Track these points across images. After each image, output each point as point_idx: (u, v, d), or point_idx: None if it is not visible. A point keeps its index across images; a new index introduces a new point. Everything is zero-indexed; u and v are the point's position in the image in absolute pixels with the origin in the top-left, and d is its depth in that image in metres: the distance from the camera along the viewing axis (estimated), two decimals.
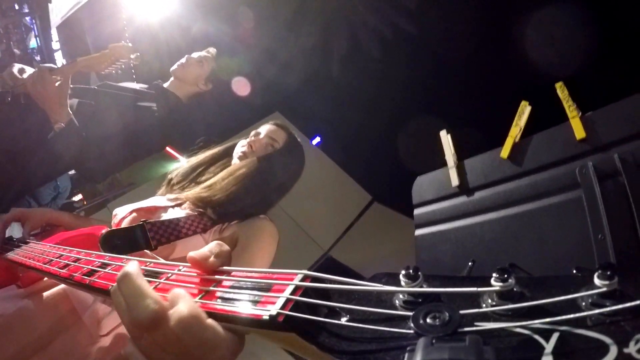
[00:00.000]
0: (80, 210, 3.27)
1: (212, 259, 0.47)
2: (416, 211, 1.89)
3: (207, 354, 0.41)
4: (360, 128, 3.76)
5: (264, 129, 1.53)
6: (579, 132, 1.42)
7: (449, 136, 1.81)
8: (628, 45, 2.31)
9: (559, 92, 1.51)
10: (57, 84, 1.69)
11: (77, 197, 3.49)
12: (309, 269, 0.41)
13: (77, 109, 1.85)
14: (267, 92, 3.49)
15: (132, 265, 0.46)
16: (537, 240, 1.48)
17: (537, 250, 1.46)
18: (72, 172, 2.81)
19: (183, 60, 2.08)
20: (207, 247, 0.48)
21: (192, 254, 0.47)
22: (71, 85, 1.78)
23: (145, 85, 2.14)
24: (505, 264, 1.18)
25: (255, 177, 1.37)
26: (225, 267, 0.47)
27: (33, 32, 3.21)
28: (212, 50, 2.16)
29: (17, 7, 3.15)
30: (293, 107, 3.79)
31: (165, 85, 2.11)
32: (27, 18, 3.20)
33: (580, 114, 1.44)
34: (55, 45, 3.31)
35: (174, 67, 2.08)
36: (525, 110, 1.62)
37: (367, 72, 3.39)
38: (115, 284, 0.46)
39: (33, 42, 3.24)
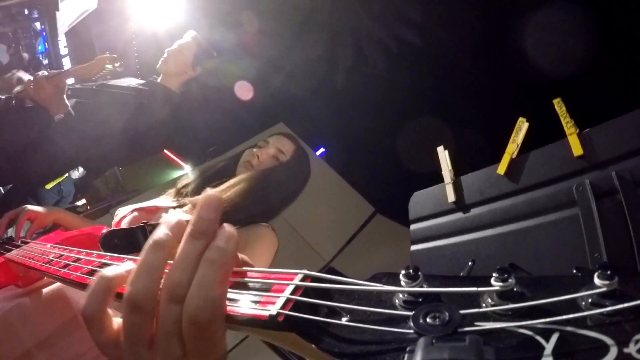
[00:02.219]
0: (83, 215, 3.28)
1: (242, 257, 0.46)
2: (412, 227, 1.89)
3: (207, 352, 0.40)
4: (364, 140, 3.77)
5: (272, 139, 1.53)
6: (577, 149, 1.41)
7: (446, 152, 1.81)
8: (627, 61, 2.32)
9: (556, 108, 1.51)
10: (54, 87, 1.79)
11: (81, 202, 3.49)
12: None
13: (75, 107, 1.91)
14: (272, 102, 3.51)
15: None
16: (533, 257, 1.47)
17: (533, 268, 1.45)
18: (75, 176, 2.83)
19: (164, 54, 2.10)
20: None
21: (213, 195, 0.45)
22: (69, 85, 1.87)
23: (143, 81, 2.17)
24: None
25: (260, 191, 1.37)
26: None
27: (42, 37, 3.24)
28: (190, 33, 2.17)
29: (26, 12, 3.19)
30: (298, 117, 3.81)
31: (159, 80, 2.14)
32: (37, 23, 3.23)
33: (577, 130, 1.43)
34: (64, 50, 3.34)
35: (158, 64, 2.11)
36: (522, 127, 1.62)
37: (372, 84, 3.40)
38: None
39: (42, 47, 3.27)
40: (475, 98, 2.98)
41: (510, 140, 1.61)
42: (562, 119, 1.48)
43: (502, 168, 1.60)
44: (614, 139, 1.36)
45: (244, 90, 2.98)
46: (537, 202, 1.49)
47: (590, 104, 1.63)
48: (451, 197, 1.74)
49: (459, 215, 1.73)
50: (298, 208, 1.56)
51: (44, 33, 3.24)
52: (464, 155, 1.85)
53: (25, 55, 3.09)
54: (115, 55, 1.99)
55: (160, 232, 0.44)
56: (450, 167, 1.77)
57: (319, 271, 0.41)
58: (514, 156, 1.59)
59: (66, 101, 1.83)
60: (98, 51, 3.24)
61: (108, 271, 0.43)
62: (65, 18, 3.17)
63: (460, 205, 1.73)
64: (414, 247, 1.87)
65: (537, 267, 1.44)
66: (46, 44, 3.22)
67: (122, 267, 0.44)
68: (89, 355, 0.97)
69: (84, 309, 0.42)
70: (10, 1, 2.95)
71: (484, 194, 1.66)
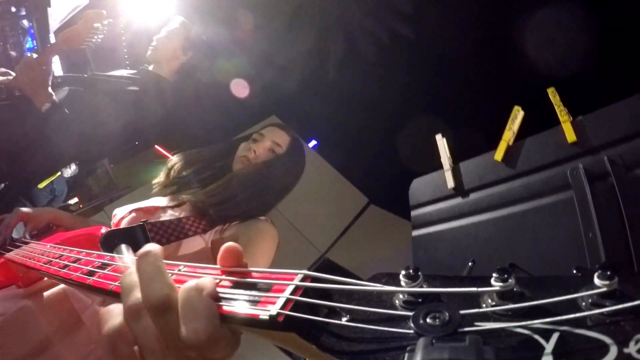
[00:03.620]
0: (76, 214, 3.26)
1: (245, 260, 0.46)
2: (413, 212, 1.93)
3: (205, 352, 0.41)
4: (357, 131, 3.76)
5: (267, 131, 1.52)
6: (570, 135, 1.46)
7: (444, 140, 1.84)
8: (619, 52, 2.33)
9: (550, 97, 1.56)
10: (42, 69, 1.76)
11: (73, 201, 3.47)
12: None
13: (68, 95, 1.89)
14: (264, 94, 3.48)
15: (155, 246, 0.46)
16: (530, 239, 1.52)
17: (531, 249, 1.51)
18: (67, 175, 2.81)
19: (153, 42, 2.09)
20: None
21: (233, 244, 0.46)
22: (62, 74, 1.83)
23: (134, 71, 2.15)
24: (500, 262, 1.20)
25: (258, 184, 1.37)
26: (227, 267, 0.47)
27: (30, 35, 3.20)
28: (177, 19, 2.15)
29: (14, 9, 3.14)
30: (290, 110, 3.79)
31: (150, 68, 2.12)
32: (25, 21, 3.19)
33: (571, 118, 1.49)
34: None
35: (148, 53, 2.09)
36: (517, 115, 1.67)
37: (364, 76, 3.39)
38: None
39: (30, 44, 3.23)
40: (469, 88, 2.99)
41: (507, 128, 1.66)
42: (556, 107, 1.53)
43: (499, 154, 1.65)
44: (606, 126, 1.41)
45: (236, 85, 2.97)
46: (533, 186, 1.54)
47: (584, 93, 1.65)
48: (450, 183, 1.79)
49: (458, 200, 1.79)
50: (292, 200, 1.56)
51: (32, 30, 3.20)
52: (460, 144, 1.87)
53: (13, 53, 3.05)
54: (104, 12, 1.92)
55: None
56: (448, 155, 1.81)
57: (315, 262, 0.41)
58: (510, 143, 1.64)
59: (50, 90, 1.80)
60: (88, 49, 3.20)
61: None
62: (57, 14, 3.14)
63: (460, 190, 1.78)
64: (415, 232, 1.92)
65: (534, 247, 1.50)
66: (35, 41, 3.18)
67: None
68: (93, 356, 0.97)
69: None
70: None
71: (482, 179, 1.71)
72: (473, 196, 1.74)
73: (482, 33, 2.80)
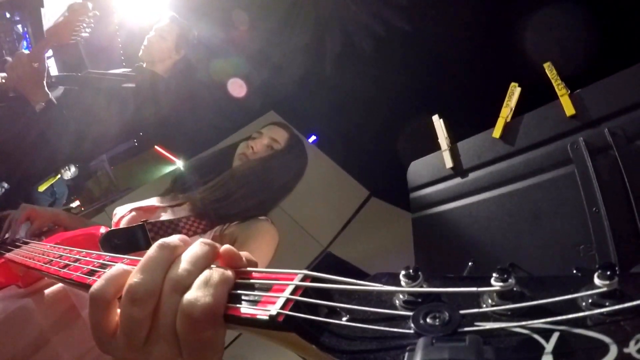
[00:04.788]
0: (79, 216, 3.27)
1: (243, 261, 0.46)
2: (412, 195, 1.92)
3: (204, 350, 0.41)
4: (356, 124, 3.76)
5: (265, 129, 1.52)
6: (569, 109, 1.45)
7: (441, 120, 1.82)
8: (616, 25, 2.32)
9: (547, 71, 1.53)
10: (34, 65, 1.74)
11: (75, 204, 3.48)
12: (308, 266, 0.41)
13: (64, 94, 1.89)
14: (262, 91, 3.48)
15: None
16: (532, 216, 1.50)
17: (533, 227, 1.49)
18: (67, 177, 2.81)
19: (145, 42, 2.08)
20: (243, 253, 0.48)
21: (232, 247, 0.46)
22: (56, 74, 1.82)
23: (129, 69, 2.15)
24: (502, 242, 1.20)
25: (256, 180, 1.37)
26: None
27: (25, 40, 3.19)
28: (166, 13, 2.14)
29: (8, 15, 3.14)
30: (288, 105, 3.79)
31: (144, 65, 2.12)
32: (19, 26, 3.18)
33: (569, 91, 1.47)
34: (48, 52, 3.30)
35: (140, 52, 2.09)
36: (515, 91, 1.64)
37: (361, 69, 3.39)
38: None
39: (26, 49, 3.23)
40: (467, 75, 2.97)
41: (504, 105, 1.64)
42: (553, 81, 1.51)
43: (497, 131, 1.63)
44: (605, 97, 1.39)
45: (232, 82, 2.96)
46: (534, 162, 1.53)
47: (580, 68, 1.64)
48: (449, 163, 1.77)
49: (457, 180, 1.77)
50: (294, 195, 1.56)
51: (27, 36, 3.19)
52: (460, 129, 1.85)
53: (8, 59, 3.05)
54: (89, 3, 1.90)
55: (172, 237, 0.45)
56: (446, 135, 1.79)
57: (318, 257, 0.41)
58: (508, 120, 1.63)
59: (46, 89, 1.79)
60: (82, 49, 3.20)
61: (124, 265, 0.45)
62: (50, 15, 3.13)
63: (458, 170, 1.76)
64: (414, 215, 1.90)
65: (536, 225, 1.48)
66: (30, 46, 3.18)
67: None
68: (90, 355, 0.97)
69: (94, 287, 0.43)
70: None
71: (481, 157, 1.69)
72: (472, 175, 1.72)
73: (477, 12, 2.78)
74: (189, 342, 0.39)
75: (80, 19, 1.85)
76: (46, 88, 1.79)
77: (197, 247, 0.44)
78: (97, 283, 0.44)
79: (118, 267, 0.45)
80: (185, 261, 0.42)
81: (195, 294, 0.39)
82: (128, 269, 0.44)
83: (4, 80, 1.83)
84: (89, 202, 3.45)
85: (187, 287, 0.40)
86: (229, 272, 0.42)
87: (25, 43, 3.19)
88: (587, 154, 1.34)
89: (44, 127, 1.77)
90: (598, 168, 1.32)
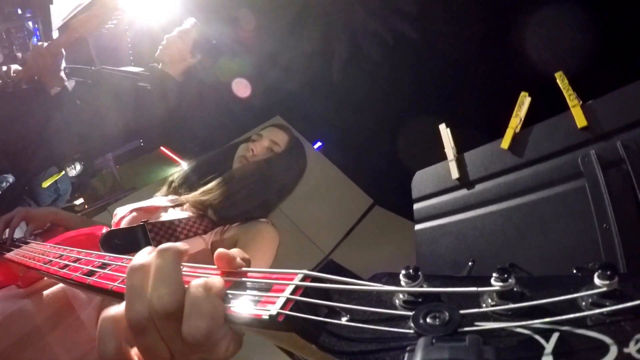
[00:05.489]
0: (81, 214, 3.28)
1: (238, 260, 0.46)
2: (416, 206, 1.86)
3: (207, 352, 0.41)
4: (361, 132, 3.76)
5: (265, 131, 1.53)
6: (580, 120, 1.39)
7: (448, 130, 1.79)
8: (627, 35, 2.31)
9: (558, 81, 1.49)
10: (53, 57, 1.79)
11: (79, 201, 3.49)
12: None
13: (75, 87, 1.91)
14: (269, 95, 3.49)
15: (181, 246, 0.45)
16: (540, 231, 1.46)
17: (541, 242, 1.45)
18: (72, 174, 2.82)
19: (163, 42, 2.09)
20: (233, 250, 0.47)
21: (222, 250, 0.46)
22: (69, 66, 1.86)
23: (142, 69, 2.16)
24: (508, 257, 1.17)
25: (256, 182, 1.37)
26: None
27: (35, 36, 3.22)
28: (190, 20, 2.16)
29: (19, 11, 3.17)
30: (294, 110, 3.79)
31: (159, 66, 2.13)
32: (30, 22, 3.22)
33: (580, 102, 1.42)
34: None
35: (157, 52, 2.10)
36: (524, 101, 1.59)
37: (368, 76, 3.39)
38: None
39: (35, 42, 3.26)
40: (475, 86, 2.97)
41: (513, 115, 1.59)
42: (564, 91, 1.46)
43: (505, 142, 1.58)
44: (618, 109, 1.35)
45: (239, 86, 2.97)
46: (543, 174, 1.48)
47: (592, 78, 1.61)
48: (455, 173, 1.72)
49: (463, 191, 1.71)
50: (296, 201, 1.56)
51: (38, 32, 3.22)
52: (465, 134, 1.83)
53: (19, 55, 3.07)
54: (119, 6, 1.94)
55: (139, 256, 0.45)
56: (452, 144, 1.75)
57: (319, 264, 0.41)
58: (517, 130, 1.58)
59: (63, 75, 1.82)
60: (91, 45, 3.22)
61: (109, 312, 0.44)
62: (59, 12, 3.16)
63: (464, 181, 1.71)
64: (418, 227, 1.85)
65: (544, 240, 1.43)
66: (40, 42, 3.21)
67: (120, 306, 0.44)
68: (91, 356, 0.97)
69: (102, 356, 0.43)
70: None
71: (489, 169, 1.64)
72: (479, 187, 1.67)
73: (486, 21, 2.77)
74: (205, 351, 0.40)
75: (111, 10, 1.89)
76: (63, 75, 1.84)
77: (161, 259, 0.43)
78: (99, 345, 0.43)
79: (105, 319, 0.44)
80: (158, 283, 0.41)
81: (189, 324, 0.39)
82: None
83: (14, 74, 1.86)
84: (93, 200, 3.46)
85: (176, 309, 0.40)
86: (215, 281, 0.42)
87: (35, 39, 3.22)
88: (599, 167, 1.30)
89: (55, 111, 1.80)
90: (610, 182, 1.27)
